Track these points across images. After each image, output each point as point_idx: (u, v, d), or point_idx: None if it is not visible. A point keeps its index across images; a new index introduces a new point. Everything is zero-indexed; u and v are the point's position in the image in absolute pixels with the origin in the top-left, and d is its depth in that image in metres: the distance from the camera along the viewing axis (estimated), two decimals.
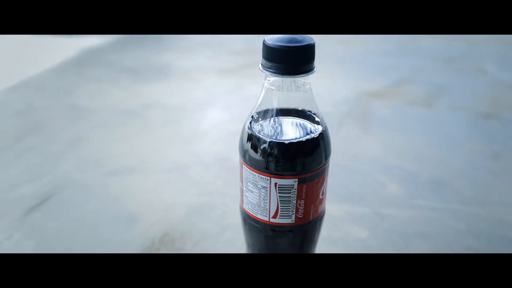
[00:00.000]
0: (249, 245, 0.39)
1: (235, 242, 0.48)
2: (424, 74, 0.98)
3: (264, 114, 0.33)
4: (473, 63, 1.05)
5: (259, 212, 0.34)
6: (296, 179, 0.32)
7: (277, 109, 0.33)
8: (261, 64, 0.31)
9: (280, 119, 0.33)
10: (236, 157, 0.37)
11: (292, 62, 0.30)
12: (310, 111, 0.34)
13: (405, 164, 0.63)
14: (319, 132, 0.33)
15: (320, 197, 0.35)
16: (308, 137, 0.32)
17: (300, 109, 0.34)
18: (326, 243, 0.48)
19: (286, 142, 0.32)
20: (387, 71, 0.99)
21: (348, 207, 0.54)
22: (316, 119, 0.34)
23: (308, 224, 0.35)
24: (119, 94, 0.89)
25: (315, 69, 0.32)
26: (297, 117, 0.34)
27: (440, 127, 0.74)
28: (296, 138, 0.32)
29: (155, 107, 0.83)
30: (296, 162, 0.32)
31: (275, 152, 0.32)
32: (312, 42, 0.31)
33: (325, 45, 1.17)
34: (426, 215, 0.52)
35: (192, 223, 0.52)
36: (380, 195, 0.56)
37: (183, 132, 0.74)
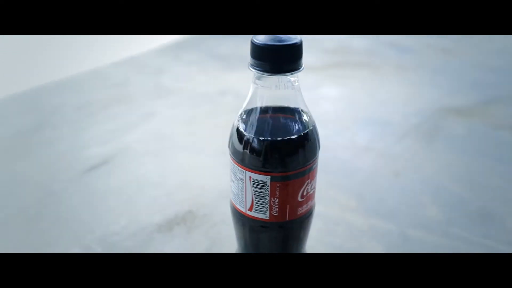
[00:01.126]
0: (236, 238, 0.40)
1: None
2: None
3: (251, 110, 0.34)
4: None
5: (238, 203, 0.35)
6: (269, 177, 0.33)
7: (263, 107, 0.34)
8: (249, 63, 0.32)
9: (265, 116, 0.34)
10: None
11: (277, 60, 0.31)
12: (299, 111, 0.34)
13: (457, 188, 0.58)
14: (299, 134, 0.33)
15: (299, 199, 0.34)
16: (285, 137, 0.32)
17: (287, 107, 0.34)
18: (334, 250, 0.47)
19: (261, 139, 0.32)
20: (483, 87, 0.90)
21: (375, 221, 0.52)
22: (303, 119, 0.34)
23: (285, 223, 0.35)
24: (202, 78, 0.95)
25: (302, 67, 0.32)
26: (283, 116, 0.34)
27: None
28: (271, 137, 0.32)
29: (229, 94, 0.87)
30: (268, 160, 0.32)
31: (250, 147, 0.32)
32: (298, 41, 0.31)
33: (423, 52, 1.10)
34: (456, 245, 0.48)
35: (218, 206, 0.54)
36: (415, 215, 0.53)
37: None
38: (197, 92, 0.88)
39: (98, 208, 0.54)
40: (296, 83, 0.33)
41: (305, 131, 0.33)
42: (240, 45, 1.16)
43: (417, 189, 0.58)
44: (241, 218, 0.36)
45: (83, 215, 0.53)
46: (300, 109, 0.34)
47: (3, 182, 0.59)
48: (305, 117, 0.34)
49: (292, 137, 0.33)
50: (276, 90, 0.32)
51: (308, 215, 0.37)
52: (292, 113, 0.34)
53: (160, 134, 0.72)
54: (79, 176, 0.60)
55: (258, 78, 0.32)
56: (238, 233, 0.39)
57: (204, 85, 0.92)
